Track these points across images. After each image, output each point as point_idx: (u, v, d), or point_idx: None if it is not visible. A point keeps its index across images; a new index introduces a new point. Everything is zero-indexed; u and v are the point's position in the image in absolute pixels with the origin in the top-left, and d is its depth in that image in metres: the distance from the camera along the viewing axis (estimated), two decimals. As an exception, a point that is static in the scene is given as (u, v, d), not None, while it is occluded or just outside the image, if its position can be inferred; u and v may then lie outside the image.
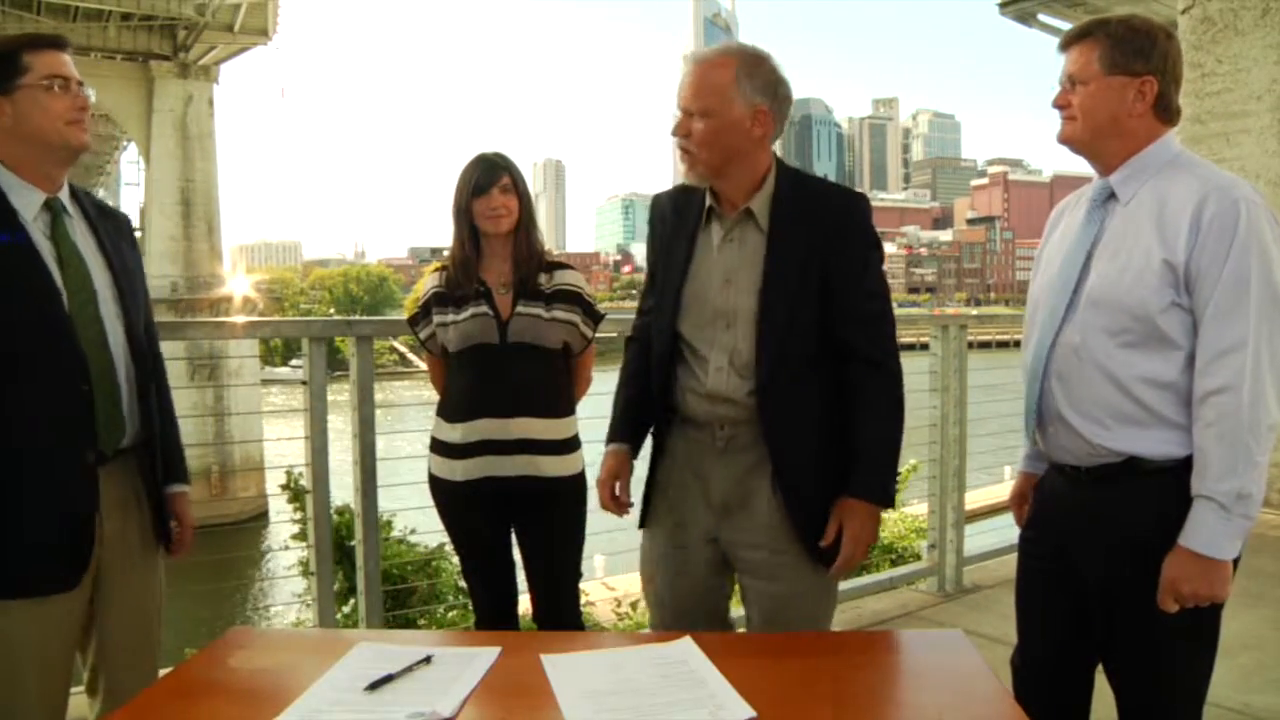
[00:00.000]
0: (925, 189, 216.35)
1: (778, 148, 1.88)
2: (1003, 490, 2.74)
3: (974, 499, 5.15)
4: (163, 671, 1.74)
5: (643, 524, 1.96)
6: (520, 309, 2.33)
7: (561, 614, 2.43)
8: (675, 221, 1.89)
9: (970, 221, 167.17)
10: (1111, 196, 1.66)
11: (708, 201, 1.84)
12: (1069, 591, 1.71)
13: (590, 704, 1.29)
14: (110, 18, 23.48)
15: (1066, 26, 9.81)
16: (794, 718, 1.29)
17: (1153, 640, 1.61)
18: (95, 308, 1.75)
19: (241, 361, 22.66)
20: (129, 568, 1.83)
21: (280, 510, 7.02)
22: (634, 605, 4.85)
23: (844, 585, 3.41)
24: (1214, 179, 1.57)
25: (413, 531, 4.85)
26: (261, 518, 19.95)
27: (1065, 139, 1.69)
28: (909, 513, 6.05)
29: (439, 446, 2.39)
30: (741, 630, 2.12)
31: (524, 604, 2.59)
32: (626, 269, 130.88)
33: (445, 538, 2.72)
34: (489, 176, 2.34)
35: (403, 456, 3.27)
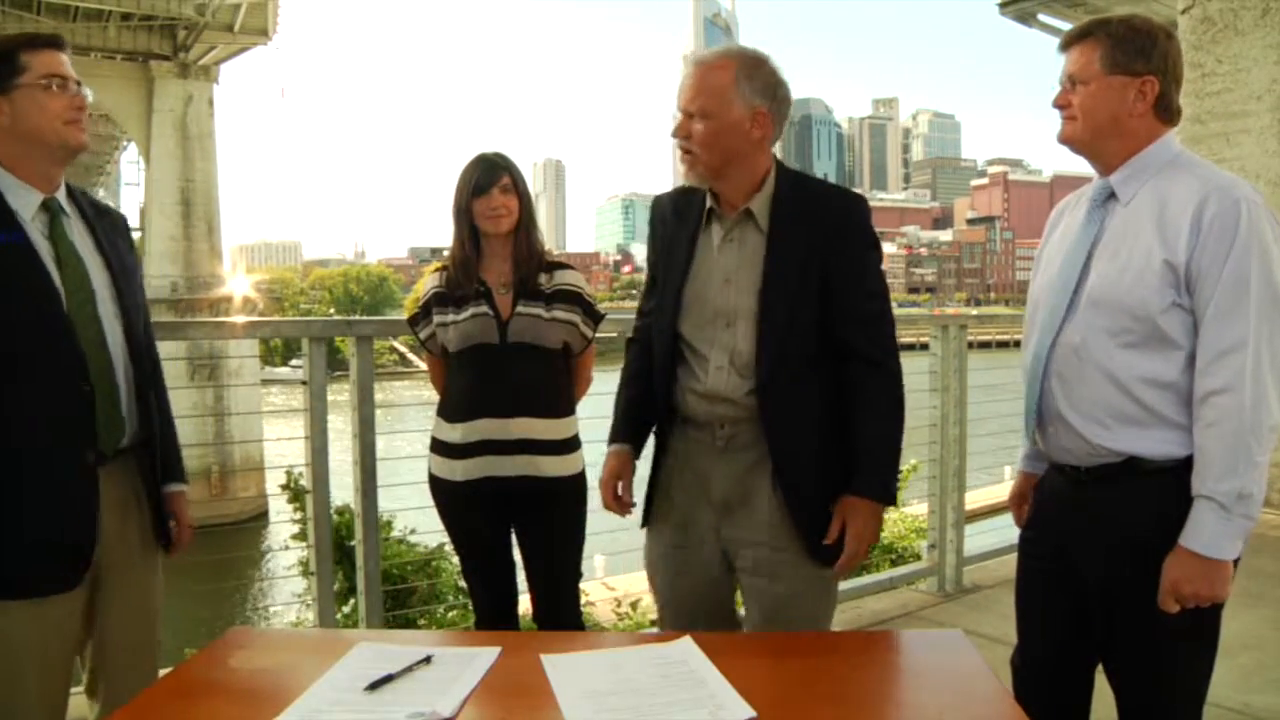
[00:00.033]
0: (925, 189, 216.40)
1: (778, 149, 1.89)
2: (1003, 490, 2.74)
3: (974, 499, 5.15)
4: (163, 671, 1.74)
5: (645, 524, 1.97)
6: (520, 309, 2.33)
7: (561, 614, 2.43)
8: (676, 223, 1.90)
9: (970, 221, 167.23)
10: (1112, 196, 1.66)
11: (708, 203, 1.85)
12: (1069, 591, 1.71)
13: (590, 704, 1.29)
14: (110, 18, 23.49)
15: (1066, 26, 9.81)
16: (794, 718, 1.29)
17: (1153, 640, 1.61)
18: (94, 308, 1.75)
19: (241, 361, 22.66)
20: (129, 568, 1.83)
21: (280, 510, 7.02)
22: (634, 605, 4.86)
23: (844, 585, 3.41)
24: (1214, 179, 1.57)
25: (413, 531, 4.86)
26: (261, 518, 19.95)
27: (1065, 139, 1.69)
28: (909, 513, 6.04)
29: (439, 446, 2.39)
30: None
31: (524, 604, 2.59)
32: (626, 269, 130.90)
33: (445, 538, 2.72)
34: (489, 176, 2.34)
35: (403, 456, 3.27)
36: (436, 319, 2.39)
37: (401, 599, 4.47)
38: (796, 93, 1.89)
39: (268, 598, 14.15)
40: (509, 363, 2.32)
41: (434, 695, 1.31)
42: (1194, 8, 5.33)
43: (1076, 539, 1.69)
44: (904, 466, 6.04)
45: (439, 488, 2.41)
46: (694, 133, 1.76)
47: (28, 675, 1.67)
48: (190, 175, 24.44)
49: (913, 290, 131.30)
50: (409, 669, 1.39)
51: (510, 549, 2.45)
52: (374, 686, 1.34)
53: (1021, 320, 1.85)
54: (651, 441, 1.97)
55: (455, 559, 3.32)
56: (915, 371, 2.78)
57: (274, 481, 7.23)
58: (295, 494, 5.02)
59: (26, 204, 1.71)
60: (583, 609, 2.76)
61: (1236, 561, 1.55)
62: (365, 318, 6.85)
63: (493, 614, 2.46)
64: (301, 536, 4.32)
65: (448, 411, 2.38)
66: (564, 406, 2.40)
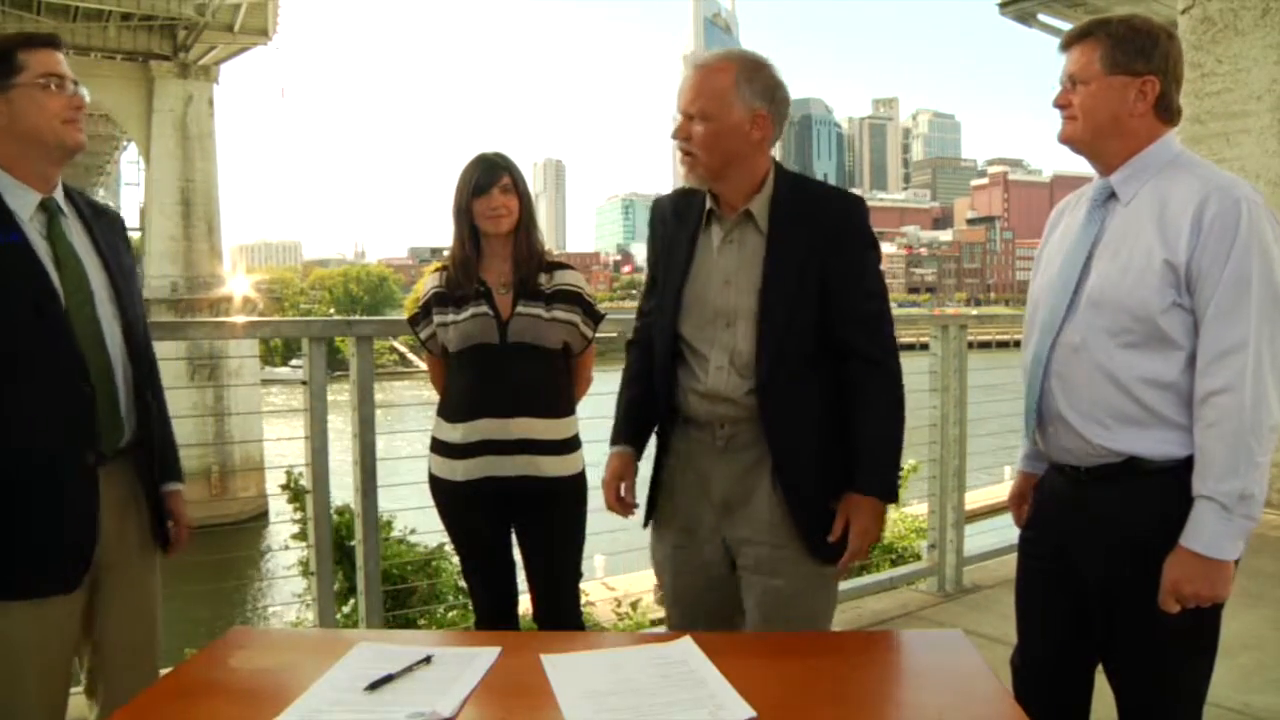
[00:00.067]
0: (925, 189, 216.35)
1: (777, 149, 1.89)
2: (1003, 490, 2.74)
3: (974, 499, 5.14)
4: (163, 671, 1.74)
5: (648, 523, 1.98)
6: (520, 309, 2.33)
7: (561, 614, 2.43)
8: (676, 224, 1.91)
9: (970, 221, 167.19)
10: (1112, 196, 1.66)
11: (708, 204, 1.86)
12: (1069, 591, 1.71)
13: (590, 704, 1.29)
14: (110, 18, 23.48)
15: (1066, 26, 9.82)
16: (794, 718, 1.29)
17: (1153, 640, 1.61)
18: (92, 308, 1.75)
19: (241, 361, 22.66)
20: (128, 568, 1.83)
21: (280, 510, 7.02)
22: (634, 605, 4.86)
23: (844, 585, 3.42)
24: (1215, 179, 1.57)
25: (413, 531, 4.86)
26: (261, 518, 19.95)
27: (1066, 139, 1.69)
28: (909, 513, 6.04)
29: (439, 446, 2.39)
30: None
31: (524, 604, 2.60)
32: (626, 269, 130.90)
33: (445, 538, 2.72)
34: (489, 176, 2.34)
35: (403, 456, 3.27)
36: (436, 319, 2.39)
37: (401, 599, 4.47)
38: (796, 93, 1.90)
39: (268, 598, 14.14)
40: (509, 363, 2.32)
41: (434, 695, 1.31)
42: (1194, 8, 5.33)
43: (1076, 539, 1.69)
44: (904, 466, 6.04)
45: (439, 488, 2.41)
46: (694, 134, 1.77)
47: (27, 676, 1.67)
48: (190, 175, 24.43)
49: (913, 290, 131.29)
50: (409, 669, 1.39)
51: (510, 549, 2.45)
52: (374, 686, 1.34)
53: (1021, 320, 1.85)
54: (653, 442, 1.98)
55: (455, 559, 3.33)
56: (915, 371, 2.78)
57: (274, 481, 7.23)
58: (295, 494, 5.02)
59: (24, 204, 1.71)
60: (583, 609, 2.76)
61: (1237, 561, 1.55)
62: (365, 318, 6.85)
63: (493, 614, 2.46)
64: (301, 536, 4.33)
65: (448, 411, 2.38)
66: (564, 406, 2.40)
